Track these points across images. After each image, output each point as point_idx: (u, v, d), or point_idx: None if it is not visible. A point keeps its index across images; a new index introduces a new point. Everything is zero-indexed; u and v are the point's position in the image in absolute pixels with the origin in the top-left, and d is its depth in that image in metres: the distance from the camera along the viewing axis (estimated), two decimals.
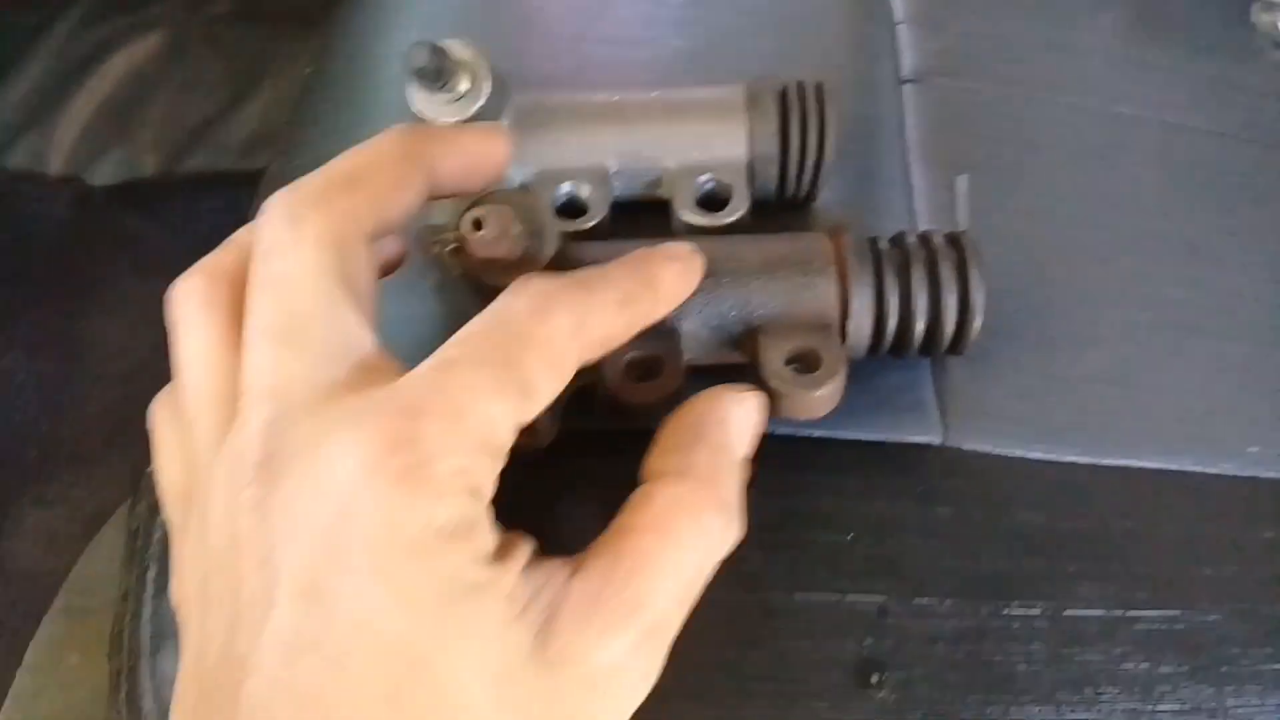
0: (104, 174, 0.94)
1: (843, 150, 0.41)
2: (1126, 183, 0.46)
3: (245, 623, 0.23)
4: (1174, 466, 0.36)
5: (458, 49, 0.37)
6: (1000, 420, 0.37)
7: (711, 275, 0.35)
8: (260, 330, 0.26)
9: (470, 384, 0.25)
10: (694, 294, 0.34)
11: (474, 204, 0.33)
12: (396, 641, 0.23)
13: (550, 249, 0.33)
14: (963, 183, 0.37)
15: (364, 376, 0.26)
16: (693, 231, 0.39)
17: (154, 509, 0.38)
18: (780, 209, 0.41)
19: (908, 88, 0.49)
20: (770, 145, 0.39)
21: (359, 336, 0.27)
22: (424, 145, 0.30)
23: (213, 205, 0.89)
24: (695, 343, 0.35)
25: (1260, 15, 0.54)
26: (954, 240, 0.36)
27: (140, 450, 0.33)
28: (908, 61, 0.50)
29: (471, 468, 0.24)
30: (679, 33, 0.50)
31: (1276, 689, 0.31)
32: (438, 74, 0.36)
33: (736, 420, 0.29)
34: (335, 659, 0.23)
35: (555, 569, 0.26)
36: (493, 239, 0.32)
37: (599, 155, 0.40)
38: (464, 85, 0.37)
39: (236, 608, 0.24)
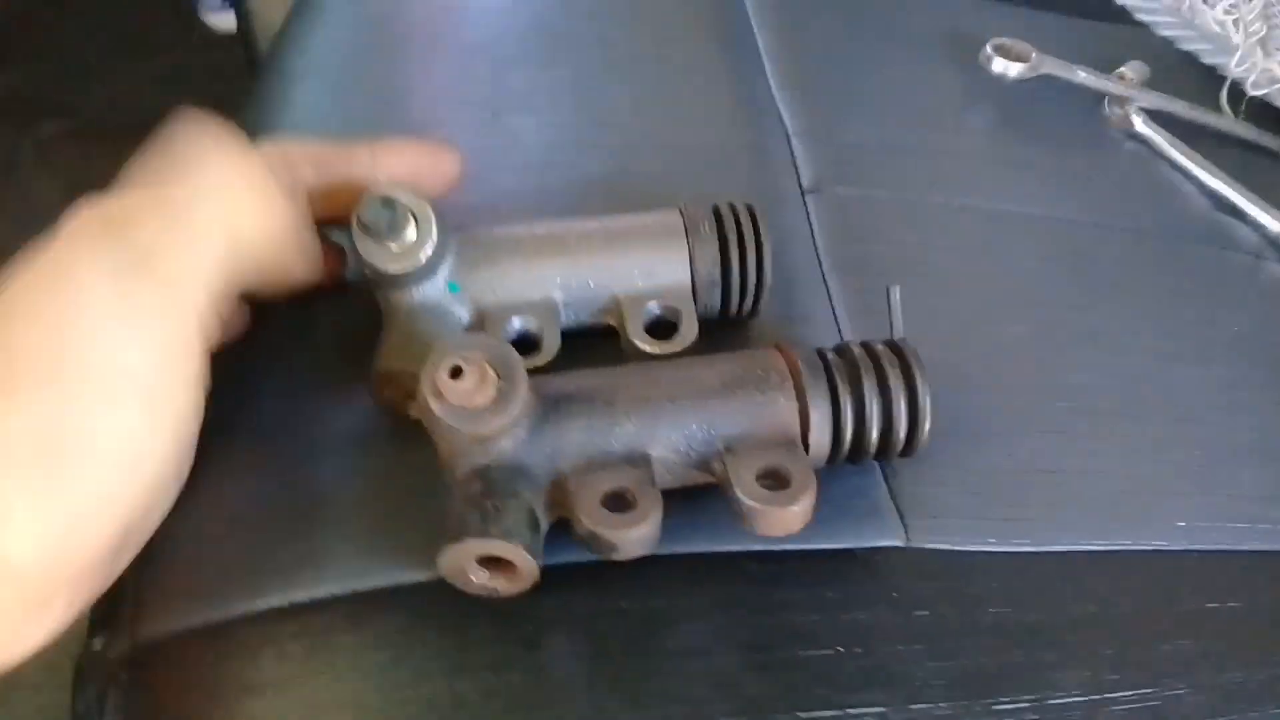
0: None
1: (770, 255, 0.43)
2: (1021, 277, 0.49)
3: None
4: (1114, 546, 0.38)
5: (406, 197, 0.37)
6: (952, 516, 0.38)
7: (673, 400, 0.35)
8: None
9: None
10: (660, 420, 0.35)
11: (442, 353, 0.33)
12: None
13: (522, 393, 0.32)
14: (895, 293, 0.38)
15: None
16: (644, 357, 0.39)
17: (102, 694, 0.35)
18: (721, 327, 0.42)
19: (809, 198, 0.51)
20: (712, 268, 0.40)
21: None
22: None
23: None
24: (665, 468, 0.35)
25: (1111, 109, 0.59)
26: (896, 348, 0.37)
27: None
28: (804, 173, 0.52)
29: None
30: (587, 158, 0.51)
31: None
32: (390, 226, 0.35)
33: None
34: None
35: None
36: (473, 388, 0.31)
37: (545, 287, 0.40)
38: (411, 234, 0.36)
39: None
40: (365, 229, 0.36)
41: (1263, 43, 0.62)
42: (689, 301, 0.41)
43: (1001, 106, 0.59)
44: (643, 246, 0.41)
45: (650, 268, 0.40)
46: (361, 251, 0.37)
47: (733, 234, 0.41)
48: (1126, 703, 0.33)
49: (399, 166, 0.40)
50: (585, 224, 0.41)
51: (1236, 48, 0.62)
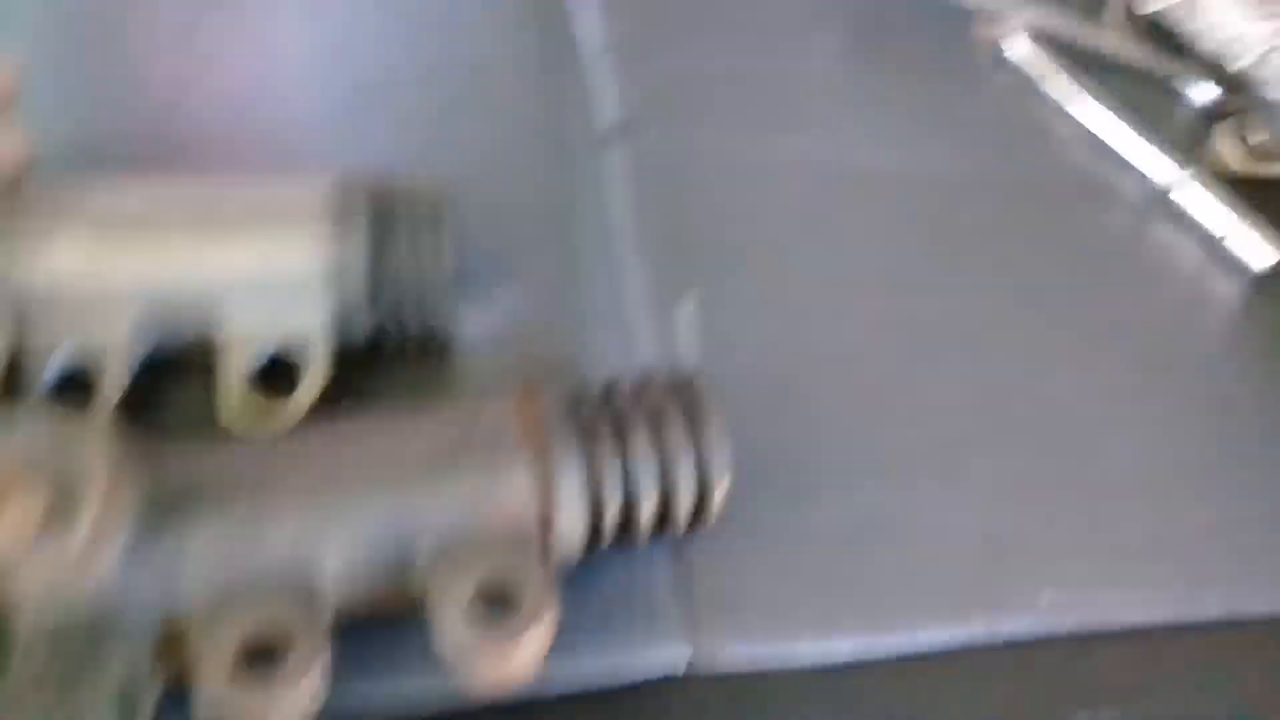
0: None
1: (535, 236, 0.32)
2: (869, 253, 0.39)
3: None
4: (964, 637, 0.29)
5: None
6: (755, 613, 0.29)
7: (357, 482, 0.25)
8: None
9: None
10: (335, 515, 0.24)
11: None
12: None
13: (93, 510, 0.21)
14: (686, 310, 0.28)
15: None
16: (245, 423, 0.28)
17: None
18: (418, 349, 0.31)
19: (609, 144, 0.40)
20: (356, 278, 0.28)
21: None
22: None
23: None
24: (342, 587, 0.24)
25: (981, 28, 0.49)
26: (682, 385, 0.27)
27: None
28: (610, 108, 0.41)
29: None
30: (317, 89, 0.38)
31: None
32: None
33: None
34: None
35: None
36: (15, 535, 0.20)
37: (108, 298, 0.27)
38: None
39: None
40: None
41: None
42: (314, 335, 0.28)
43: (853, 24, 0.48)
44: (259, 239, 0.28)
45: (267, 273, 0.28)
46: None
47: (401, 222, 0.29)
48: None
49: None
50: (182, 196, 0.28)
51: None
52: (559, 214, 0.36)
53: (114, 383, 0.27)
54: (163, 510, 0.23)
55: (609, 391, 0.28)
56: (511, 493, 0.25)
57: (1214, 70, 0.49)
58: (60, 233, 0.27)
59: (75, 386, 0.27)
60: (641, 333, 0.34)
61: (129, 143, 0.36)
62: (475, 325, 0.33)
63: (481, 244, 0.33)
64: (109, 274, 0.27)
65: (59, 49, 0.39)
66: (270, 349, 0.28)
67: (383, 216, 0.29)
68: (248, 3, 0.40)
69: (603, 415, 0.27)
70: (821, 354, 0.35)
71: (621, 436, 0.26)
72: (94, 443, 0.22)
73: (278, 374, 0.29)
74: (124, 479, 0.22)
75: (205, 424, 0.28)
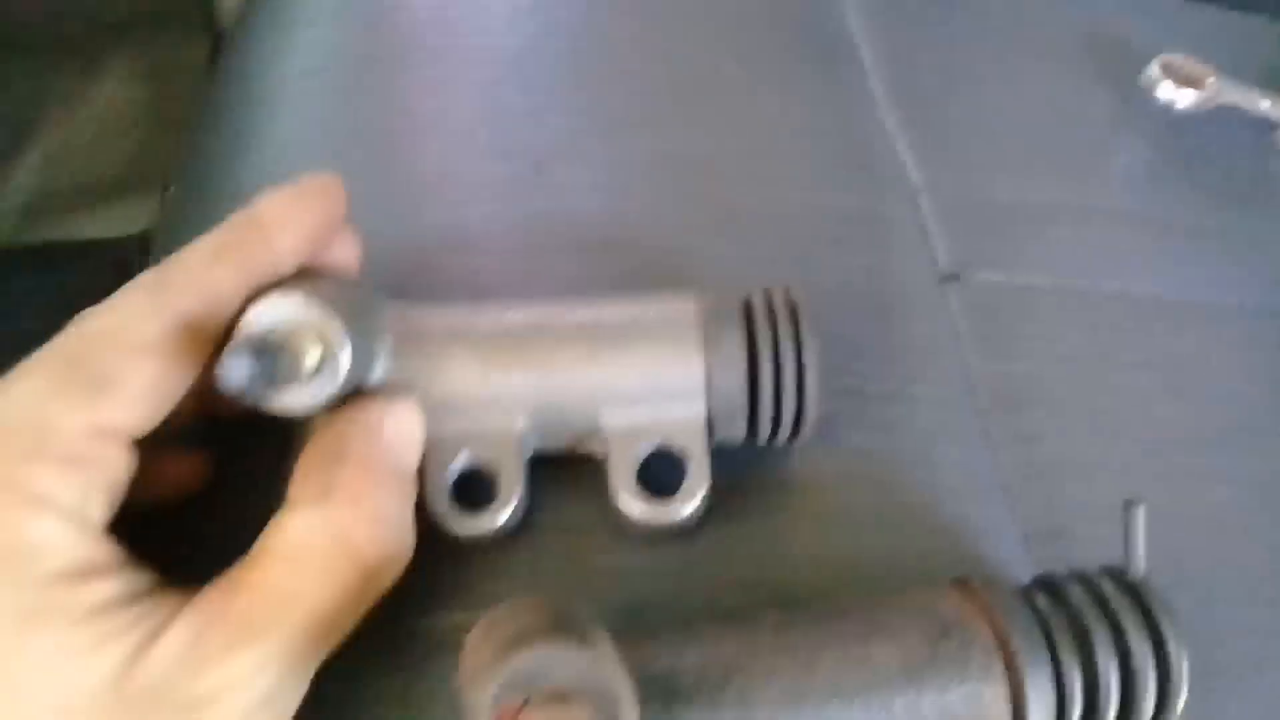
0: None
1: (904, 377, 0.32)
2: (1227, 403, 0.38)
3: None
4: None
5: (293, 315, 0.25)
6: None
7: (839, 694, 0.25)
8: None
9: (27, 390, 0.23)
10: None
11: (495, 671, 0.21)
12: None
13: None
14: (1138, 513, 0.27)
15: None
16: (634, 523, 0.29)
17: None
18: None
19: (949, 288, 0.39)
20: (735, 380, 0.29)
21: None
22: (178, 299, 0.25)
23: None
24: None
25: None
26: (1131, 589, 0.27)
27: None
28: (941, 249, 0.41)
29: (36, 478, 0.22)
30: (655, 229, 0.38)
31: None
32: (274, 378, 0.23)
33: (389, 430, 0.27)
34: None
35: (165, 597, 0.23)
36: None
37: (504, 406, 0.29)
38: (312, 358, 0.25)
39: None
40: (243, 396, 0.23)
41: None
42: (698, 436, 0.29)
43: (1164, 144, 0.47)
44: (638, 350, 0.29)
45: (647, 381, 0.29)
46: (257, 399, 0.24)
47: (765, 334, 0.29)
48: None
49: (300, 229, 0.27)
50: (561, 314, 0.30)
51: None
52: (914, 360, 0.36)
53: (509, 491, 0.28)
54: (652, 697, 0.23)
55: (1049, 584, 0.27)
56: (984, 707, 0.25)
57: None
58: (455, 350, 0.28)
59: (474, 491, 0.28)
60: (1016, 493, 0.34)
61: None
62: (823, 461, 0.32)
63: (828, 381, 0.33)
64: (500, 388, 0.28)
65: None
66: (652, 447, 0.29)
67: (753, 325, 0.29)
68: (596, 131, 0.40)
69: (1060, 621, 0.26)
70: (1201, 518, 0.34)
71: (1085, 647, 0.26)
72: (617, 667, 0.22)
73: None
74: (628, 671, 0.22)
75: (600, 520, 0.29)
